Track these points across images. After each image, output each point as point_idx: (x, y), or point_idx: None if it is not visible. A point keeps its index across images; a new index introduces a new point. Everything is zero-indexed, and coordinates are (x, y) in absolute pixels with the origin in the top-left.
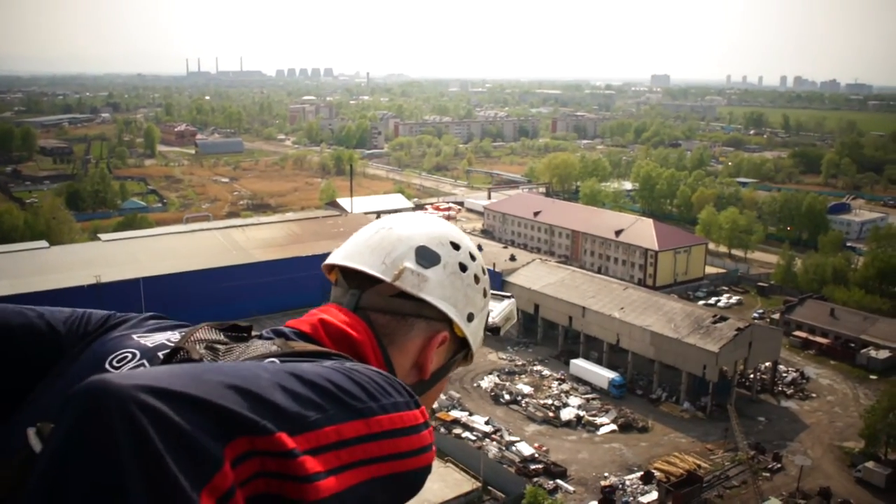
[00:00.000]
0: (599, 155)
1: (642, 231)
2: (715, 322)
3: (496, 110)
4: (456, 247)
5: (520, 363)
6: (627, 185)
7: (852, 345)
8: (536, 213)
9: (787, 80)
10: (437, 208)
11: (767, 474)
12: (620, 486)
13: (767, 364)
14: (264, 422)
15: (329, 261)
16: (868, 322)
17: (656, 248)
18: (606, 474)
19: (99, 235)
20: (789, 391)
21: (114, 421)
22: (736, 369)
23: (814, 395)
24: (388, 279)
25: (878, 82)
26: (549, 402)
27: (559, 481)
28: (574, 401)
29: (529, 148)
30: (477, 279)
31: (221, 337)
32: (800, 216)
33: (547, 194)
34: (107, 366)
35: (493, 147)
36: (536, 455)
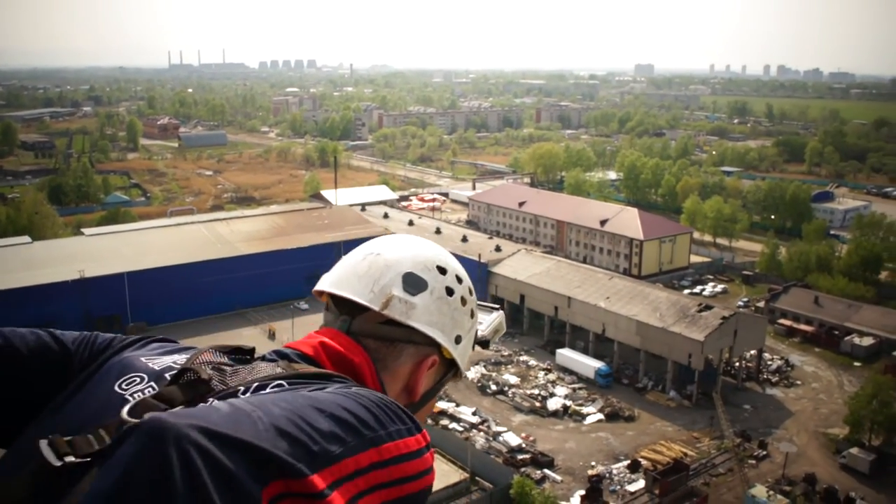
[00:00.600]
0: (584, 145)
1: (627, 220)
2: (700, 311)
3: (480, 101)
4: (443, 271)
5: (506, 353)
6: (612, 175)
7: (836, 332)
8: (521, 204)
9: (771, 69)
10: (422, 199)
11: (753, 461)
12: (607, 474)
13: (752, 352)
14: (299, 465)
15: (318, 287)
16: (852, 310)
17: (641, 237)
18: (593, 463)
19: (82, 230)
20: (774, 379)
21: (171, 459)
22: (721, 357)
23: (799, 382)
24: (376, 308)
25: (861, 71)
26: (536, 392)
27: (546, 471)
28: (560, 390)
29: (514, 138)
30: (464, 301)
31: (226, 359)
32: (784, 205)
33: (532, 184)
34: (116, 388)
35: (478, 138)
36: (523, 445)
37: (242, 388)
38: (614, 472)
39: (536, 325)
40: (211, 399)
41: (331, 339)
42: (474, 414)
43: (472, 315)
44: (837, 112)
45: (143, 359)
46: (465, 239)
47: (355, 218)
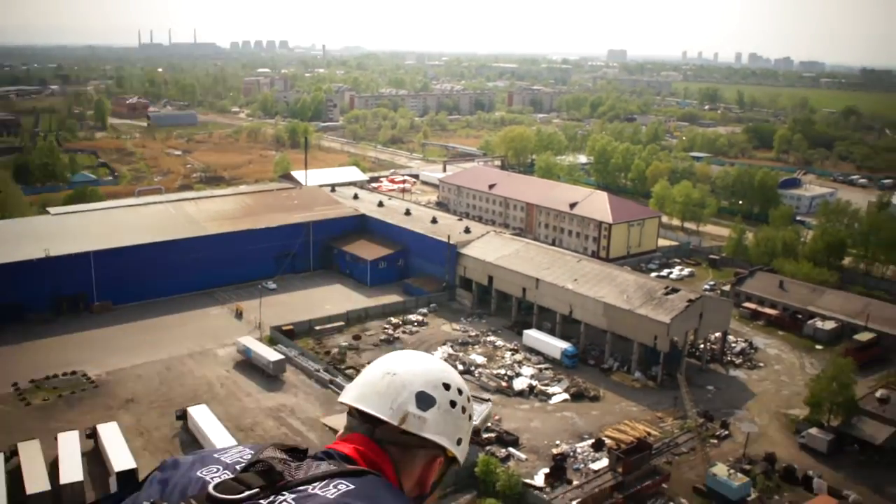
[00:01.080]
0: (555, 128)
1: (596, 204)
2: (667, 293)
3: (452, 84)
4: (447, 387)
5: (473, 334)
6: (582, 159)
7: (800, 316)
8: (491, 186)
9: (742, 57)
10: (392, 181)
11: (715, 441)
12: (572, 453)
13: (717, 334)
14: None
15: (343, 400)
16: (816, 294)
17: (610, 220)
18: (558, 442)
19: (48, 209)
20: (738, 361)
21: None
22: (686, 339)
23: (762, 364)
24: (395, 423)
25: (831, 60)
26: (503, 372)
27: (511, 449)
28: (527, 371)
29: (485, 121)
30: (464, 410)
31: (286, 456)
32: (752, 190)
33: (502, 167)
34: (196, 473)
35: (449, 120)
36: (489, 424)
37: (309, 481)
38: (578, 450)
39: (504, 307)
40: (284, 487)
41: (363, 446)
42: None
43: (470, 418)
44: (807, 100)
45: (214, 455)
46: (434, 220)
47: (325, 198)
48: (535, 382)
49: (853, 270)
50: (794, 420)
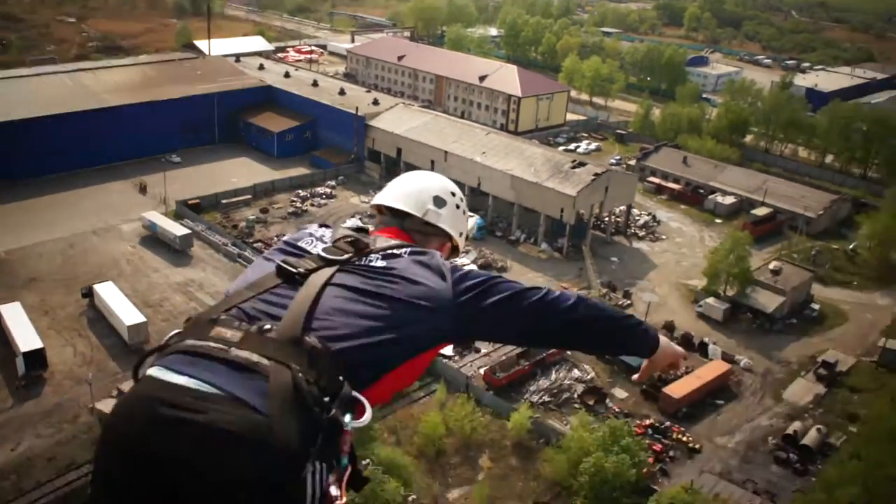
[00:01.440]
0: (466, 0)
1: (506, 77)
2: (574, 167)
3: None
4: (453, 194)
5: None
6: (493, 32)
7: (702, 191)
8: (400, 58)
9: None
10: (299, 51)
11: None
12: None
13: (622, 208)
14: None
15: (381, 202)
16: (717, 170)
17: (519, 94)
18: None
19: None
20: (641, 233)
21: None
22: (592, 212)
23: (664, 237)
24: (419, 215)
25: None
26: None
27: None
28: None
29: None
30: (464, 212)
31: (358, 234)
32: (660, 67)
33: (412, 39)
34: (299, 243)
35: None
36: None
37: (385, 248)
38: None
39: None
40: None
41: (397, 234)
42: None
43: (467, 218)
44: None
45: (308, 232)
46: (342, 92)
47: (230, 69)
48: None
49: (754, 148)
50: (692, 290)
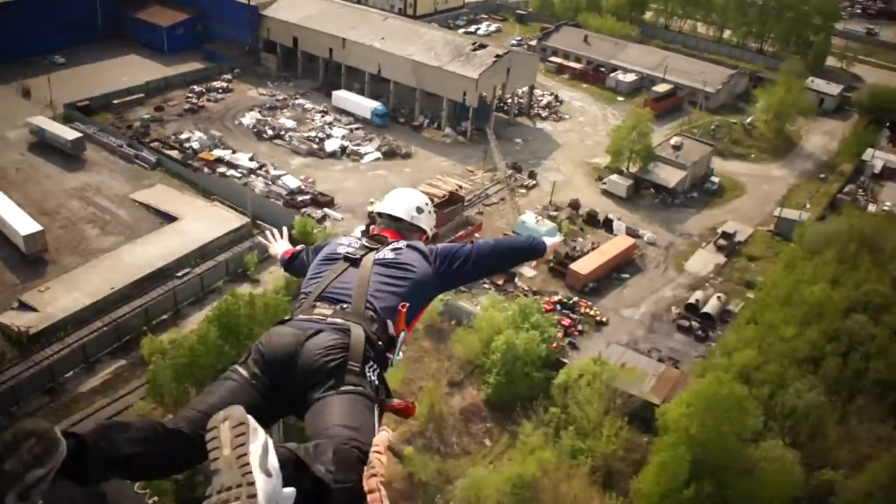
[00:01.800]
0: None
1: None
2: (475, 49)
3: None
4: (427, 205)
5: (281, 98)
6: None
7: (603, 69)
8: None
9: None
10: None
11: (524, 191)
12: None
13: (524, 88)
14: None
15: (383, 210)
16: (618, 48)
17: None
18: (372, 200)
19: None
20: (545, 114)
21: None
22: (494, 94)
23: (567, 116)
24: (408, 220)
25: None
26: (313, 134)
27: (327, 210)
28: (338, 132)
29: None
30: (431, 214)
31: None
32: None
33: None
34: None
35: None
36: (303, 187)
37: (391, 245)
38: None
39: (311, 68)
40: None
41: (393, 233)
42: (251, 159)
43: (434, 219)
44: None
45: (329, 242)
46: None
47: None
48: (346, 143)
49: (653, 25)
50: (596, 168)
